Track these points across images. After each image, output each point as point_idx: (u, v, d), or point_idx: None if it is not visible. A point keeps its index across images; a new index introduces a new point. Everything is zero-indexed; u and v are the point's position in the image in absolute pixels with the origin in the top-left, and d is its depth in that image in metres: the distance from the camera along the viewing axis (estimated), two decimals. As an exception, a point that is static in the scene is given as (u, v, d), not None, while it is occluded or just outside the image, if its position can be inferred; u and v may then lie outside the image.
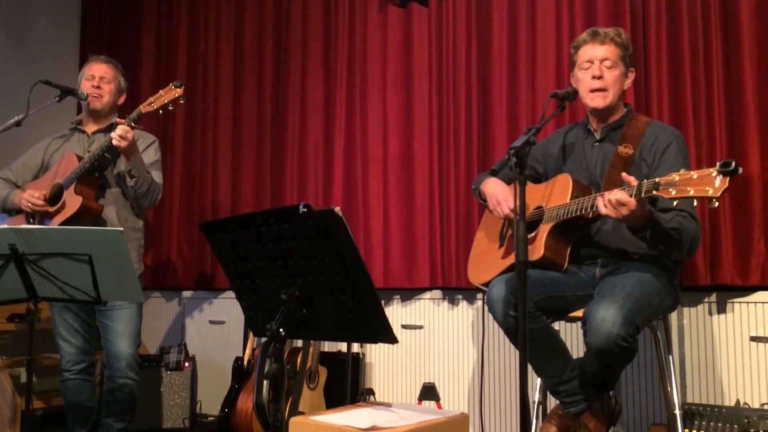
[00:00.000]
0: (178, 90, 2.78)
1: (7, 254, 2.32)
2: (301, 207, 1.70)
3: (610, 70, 2.41)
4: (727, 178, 1.83)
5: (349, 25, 3.87)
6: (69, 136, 3.14)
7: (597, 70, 2.41)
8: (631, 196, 2.04)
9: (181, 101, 2.80)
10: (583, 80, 2.45)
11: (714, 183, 1.85)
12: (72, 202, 2.85)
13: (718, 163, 1.85)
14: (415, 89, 3.64)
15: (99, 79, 3.07)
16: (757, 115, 2.78)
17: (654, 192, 1.98)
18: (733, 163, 1.82)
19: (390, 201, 3.65)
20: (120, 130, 2.77)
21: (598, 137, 2.51)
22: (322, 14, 4.00)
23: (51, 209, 2.90)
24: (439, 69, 3.57)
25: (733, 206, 2.80)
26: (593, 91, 2.42)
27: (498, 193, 2.53)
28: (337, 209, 1.67)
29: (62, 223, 2.81)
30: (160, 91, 2.82)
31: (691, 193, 1.89)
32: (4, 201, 3.05)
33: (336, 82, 3.89)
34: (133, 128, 2.81)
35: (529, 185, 2.55)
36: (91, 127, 3.12)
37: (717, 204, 1.87)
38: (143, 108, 2.82)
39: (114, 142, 2.77)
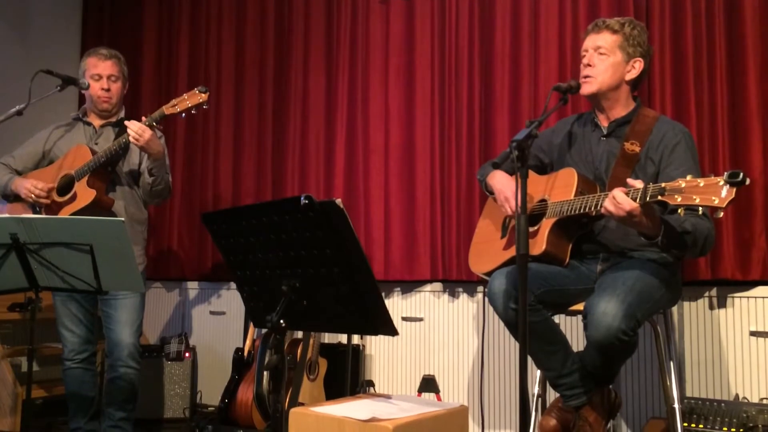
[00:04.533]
0: (203, 95, 2.75)
1: (8, 243, 2.32)
2: (302, 198, 1.70)
3: (602, 57, 2.39)
4: (734, 189, 1.81)
5: (352, 16, 3.86)
6: (72, 126, 3.14)
7: (587, 58, 2.42)
8: (635, 199, 2.03)
9: (205, 107, 2.78)
10: (580, 69, 2.46)
11: (720, 193, 1.83)
12: (84, 194, 2.86)
13: (725, 173, 1.83)
14: (417, 81, 3.63)
15: (107, 79, 3.05)
16: (760, 111, 2.78)
17: (659, 197, 1.96)
18: (741, 174, 1.80)
19: (391, 193, 3.65)
20: (136, 128, 2.76)
21: (604, 132, 2.49)
22: (324, 4, 3.99)
23: (60, 199, 2.91)
24: (441, 60, 3.56)
25: (734, 201, 2.79)
26: (583, 78, 2.43)
27: (505, 188, 2.51)
28: (338, 201, 1.67)
29: (73, 215, 2.82)
30: (184, 94, 2.79)
31: (697, 201, 1.87)
32: (4, 187, 3.05)
33: (338, 73, 3.88)
34: (153, 128, 2.81)
35: (534, 176, 2.55)
36: (97, 120, 3.12)
37: (722, 214, 1.85)
38: (166, 110, 2.81)
39: (131, 139, 2.77)
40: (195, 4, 4.48)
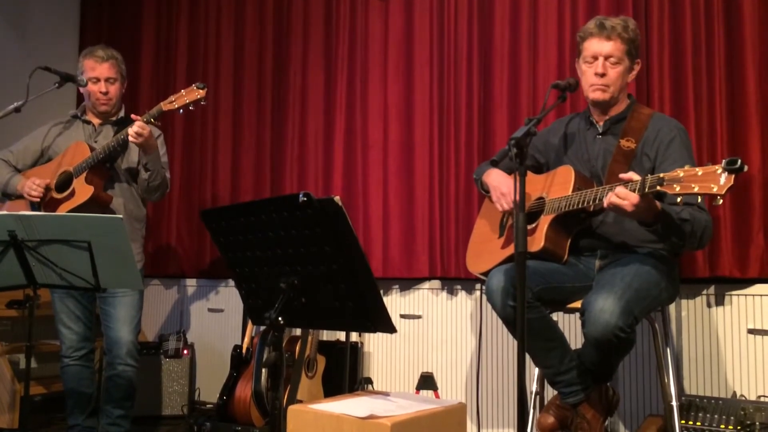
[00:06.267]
0: (201, 91, 2.76)
1: (6, 241, 2.31)
2: (300, 196, 1.70)
3: (614, 66, 2.40)
4: (732, 176, 1.81)
5: (350, 12, 3.85)
6: (71, 124, 3.13)
7: (600, 67, 2.39)
8: (634, 191, 2.03)
9: (203, 103, 2.79)
10: (586, 74, 2.44)
11: (719, 180, 1.83)
12: (82, 191, 2.85)
13: (723, 161, 1.83)
14: (416, 78, 3.63)
15: (105, 81, 3.03)
16: (759, 107, 2.78)
17: (658, 188, 1.96)
18: (739, 161, 1.80)
19: (390, 190, 3.64)
20: (136, 127, 2.77)
21: (600, 130, 2.50)
22: (323, 0, 3.98)
23: (58, 196, 2.90)
24: (440, 58, 3.55)
25: (732, 198, 2.80)
26: (597, 87, 2.42)
27: (501, 185, 2.52)
28: (337, 198, 1.67)
29: (71, 211, 2.81)
30: (182, 90, 2.80)
31: (696, 189, 1.87)
32: (5, 185, 3.04)
33: (337, 70, 3.87)
34: (151, 125, 2.81)
35: (530, 175, 2.55)
36: (96, 119, 3.11)
37: (721, 201, 1.85)
38: (164, 106, 2.81)
39: (131, 139, 2.78)
40: (194, 1, 4.48)
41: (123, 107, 3.17)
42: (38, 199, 2.92)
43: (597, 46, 2.40)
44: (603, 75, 2.39)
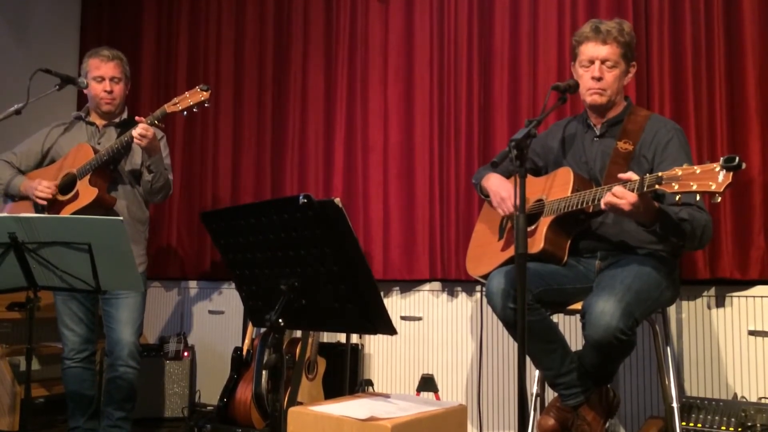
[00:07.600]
0: (204, 93, 2.77)
1: (6, 243, 2.31)
2: (301, 198, 1.70)
3: (611, 70, 2.41)
4: (731, 174, 1.82)
5: (351, 14, 3.86)
6: (73, 125, 3.13)
7: (597, 71, 2.40)
8: (633, 190, 2.04)
9: (207, 105, 2.80)
10: (583, 78, 2.45)
11: (717, 178, 1.84)
12: (86, 192, 2.86)
13: (721, 158, 1.84)
14: (416, 79, 3.63)
15: (110, 80, 3.04)
16: (759, 109, 2.78)
17: (657, 186, 1.97)
18: (737, 159, 1.81)
19: (390, 192, 3.65)
20: (141, 128, 2.77)
21: (597, 132, 2.50)
22: (323, 3, 3.99)
23: (62, 198, 2.91)
24: (440, 59, 3.56)
25: (733, 199, 2.80)
26: (594, 91, 2.43)
27: (501, 189, 2.52)
28: (337, 200, 1.67)
29: (75, 214, 2.81)
30: (186, 92, 2.82)
31: (694, 187, 1.88)
32: (7, 186, 3.04)
33: (337, 72, 3.88)
34: (155, 126, 2.82)
35: (530, 178, 2.55)
36: (99, 120, 3.12)
37: (719, 199, 1.86)
38: (168, 108, 2.82)
39: (135, 140, 2.78)
40: (194, 2, 4.48)
41: (126, 109, 3.17)
42: (46, 202, 2.91)
43: (593, 50, 2.41)
44: (600, 79, 2.40)
